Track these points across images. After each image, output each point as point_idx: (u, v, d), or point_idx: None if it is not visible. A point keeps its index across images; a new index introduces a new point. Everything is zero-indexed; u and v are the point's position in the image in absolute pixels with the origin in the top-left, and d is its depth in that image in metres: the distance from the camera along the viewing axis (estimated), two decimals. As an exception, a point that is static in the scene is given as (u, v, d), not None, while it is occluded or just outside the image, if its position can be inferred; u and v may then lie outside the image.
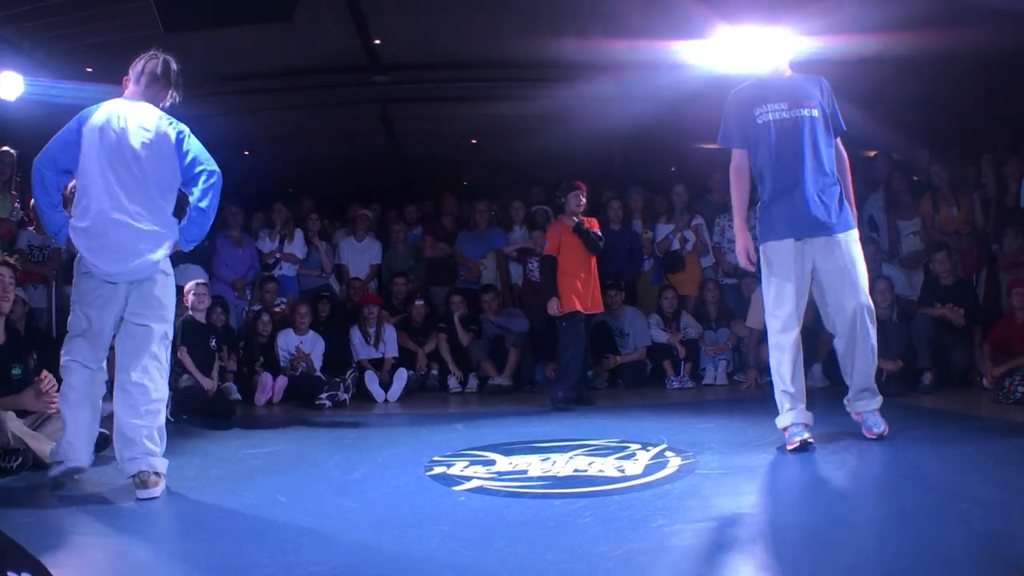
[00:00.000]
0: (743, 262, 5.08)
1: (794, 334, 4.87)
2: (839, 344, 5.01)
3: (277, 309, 8.77)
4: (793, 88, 4.93)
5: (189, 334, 7.27)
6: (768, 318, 4.99)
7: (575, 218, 7.37)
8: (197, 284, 7.51)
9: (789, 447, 4.76)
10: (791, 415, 4.84)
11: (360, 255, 9.77)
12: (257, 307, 8.79)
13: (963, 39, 7.06)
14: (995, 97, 9.12)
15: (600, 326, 8.59)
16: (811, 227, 4.82)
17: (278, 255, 9.33)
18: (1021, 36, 7.01)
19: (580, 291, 7.29)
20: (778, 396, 4.94)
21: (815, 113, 4.85)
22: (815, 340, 7.78)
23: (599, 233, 7.47)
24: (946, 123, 9.75)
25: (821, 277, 4.91)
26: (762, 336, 8.00)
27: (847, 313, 4.86)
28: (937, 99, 9.01)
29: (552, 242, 7.40)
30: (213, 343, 7.51)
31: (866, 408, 5.04)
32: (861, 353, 4.91)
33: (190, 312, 7.35)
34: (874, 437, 4.95)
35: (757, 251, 5.02)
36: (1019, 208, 7.77)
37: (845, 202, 4.91)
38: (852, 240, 4.89)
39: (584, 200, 7.46)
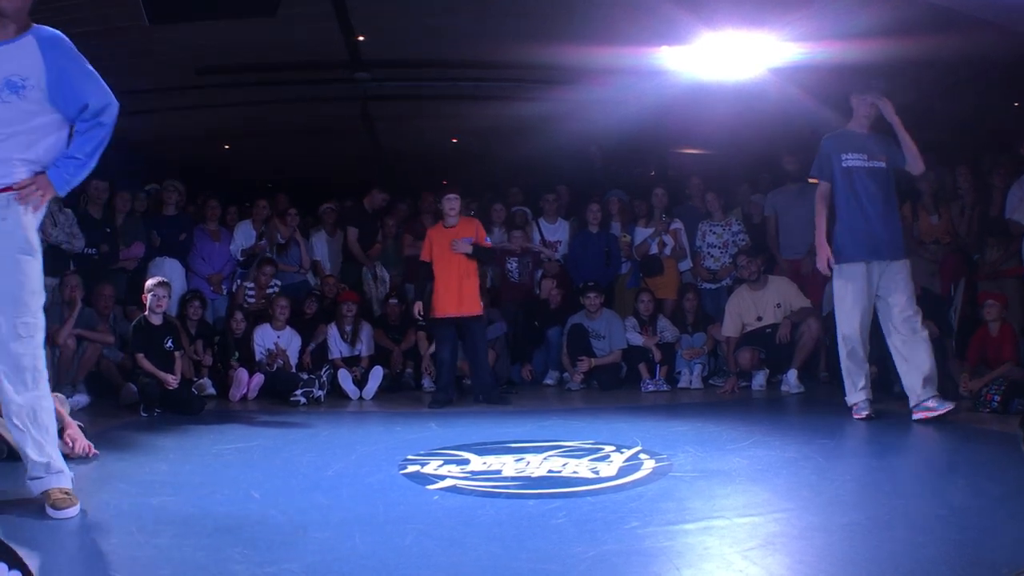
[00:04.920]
0: (823, 269, 6.22)
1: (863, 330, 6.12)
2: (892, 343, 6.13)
3: (267, 292, 8.81)
4: (869, 144, 6.17)
5: (141, 338, 7.09)
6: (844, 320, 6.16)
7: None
8: (159, 284, 7.26)
9: (857, 417, 6.05)
10: (863, 392, 6.12)
11: (332, 250, 9.78)
12: (251, 292, 8.83)
13: (948, 48, 7.10)
14: (982, 106, 9.17)
15: (576, 328, 8.59)
16: (879, 252, 6.05)
17: (254, 250, 9.22)
18: (1009, 46, 7.05)
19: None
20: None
21: (884, 164, 6.14)
22: (791, 348, 7.85)
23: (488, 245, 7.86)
24: (930, 132, 9.82)
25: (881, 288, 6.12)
26: (739, 343, 8.09)
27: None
28: (920, 107, 9.06)
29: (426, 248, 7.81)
30: (169, 344, 7.20)
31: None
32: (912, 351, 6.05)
33: (145, 314, 7.17)
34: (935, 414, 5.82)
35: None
36: (1002, 218, 7.80)
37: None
38: (905, 264, 6.14)
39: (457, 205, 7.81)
